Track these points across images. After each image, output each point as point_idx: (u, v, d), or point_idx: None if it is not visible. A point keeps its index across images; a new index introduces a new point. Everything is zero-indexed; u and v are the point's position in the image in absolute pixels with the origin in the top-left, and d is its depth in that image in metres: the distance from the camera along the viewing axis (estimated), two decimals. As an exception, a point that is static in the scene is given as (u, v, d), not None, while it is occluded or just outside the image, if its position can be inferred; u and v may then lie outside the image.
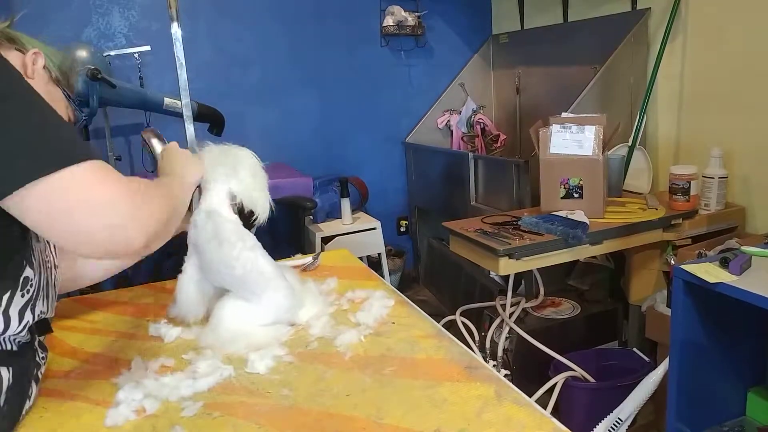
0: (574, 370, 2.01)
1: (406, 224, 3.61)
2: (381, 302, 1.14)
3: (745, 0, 2.09)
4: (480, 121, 3.43)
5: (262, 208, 1.11)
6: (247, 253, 1.05)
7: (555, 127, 2.02)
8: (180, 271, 1.11)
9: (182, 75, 1.71)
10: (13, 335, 0.78)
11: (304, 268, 1.40)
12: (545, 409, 1.49)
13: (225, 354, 0.98)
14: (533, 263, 1.85)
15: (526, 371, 2.13)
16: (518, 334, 2.12)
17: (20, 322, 0.78)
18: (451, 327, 2.25)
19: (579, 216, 1.94)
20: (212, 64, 2.96)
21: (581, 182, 2.01)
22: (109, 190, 0.66)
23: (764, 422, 1.52)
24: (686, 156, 2.38)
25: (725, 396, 1.55)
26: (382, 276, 2.52)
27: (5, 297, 0.75)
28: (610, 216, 2.02)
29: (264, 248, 1.10)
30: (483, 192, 2.80)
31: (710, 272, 1.35)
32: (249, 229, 1.10)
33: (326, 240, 2.87)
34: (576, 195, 2.02)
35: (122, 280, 1.60)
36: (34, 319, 0.81)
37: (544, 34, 3.12)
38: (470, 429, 0.75)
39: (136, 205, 0.68)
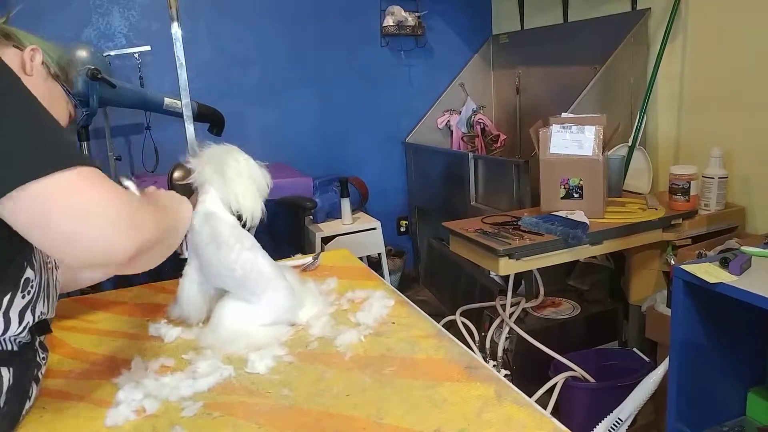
0: (574, 370, 2.01)
1: (406, 224, 3.61)
2: (381, 302, 1.14)
3: (745, 0, 2.09)
4: (480, 121, 3.43)
5: (248, 211, 1.08)
6: (246, 254, 1.05)
7: (555, 127, 2.02)
8: (180, 272, 1.11)
9: (182, 75, 1.71)
10: (14, 336, 0.78)
11: (304, 268, 1.40)
12: (545, 409, 1.49)
13: (225, 354, 0.98)
14: (533, 263, 1.85)
15: (526, 371, 2.13)
16: (518, 334, 2.12)
17: (20, 323, 0.78)
18: (451, 327, 2.24)
19: (579, 216, 1.94)
20: (212, 64, 2.96)
21: (581, 182, 2.01)
22: (98, 195, 0.64)
23: (764, 422, 1.52)
24: (686, 156, 2.38)
25: (725, 396, 1.55)
26: (382, 276, 2.52)
27: (5, 299, 0.75)
28: (610, 216, 2.02)
29: (264, 248, 1.09)
30: (483, 192, 2.80)
31: (710, 272, 1.35)
32: (247, 230, 1.10)
33: (326, 240, 2.87)
34: (576, 195, 2.02)
35: (122, 280, 1.60)
36: (34, 320, 0.81)
37: (544, 34, 3.12)
38: (470, 429, 0.75)
39: (126, 213, 0.66)
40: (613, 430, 1.67)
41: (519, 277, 2.33)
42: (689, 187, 2.04)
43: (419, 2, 3.32)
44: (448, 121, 3.47)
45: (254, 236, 1.11)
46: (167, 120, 2.60)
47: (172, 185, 1.28)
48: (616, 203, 2.17)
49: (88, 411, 0.85)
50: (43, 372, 0.87)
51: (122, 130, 2.86)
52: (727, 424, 1.54)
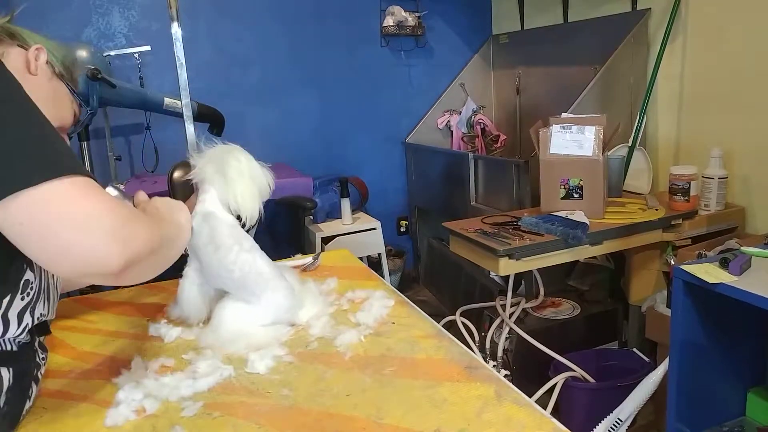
0: (574, 371, 2.01)
1: (406, 224, 3.61)
2: (381, 302, 1.14)
3: (745, 0, 2.09)
4: (480, 121, 3.43)
5: (246, 211, 1.07)
6: (245, 255, 1.04)
7: (555, 128, 2.02)
8: (180, 272, 1.11)
9: (182, 75, 1.72)
10: (13, 337, 0.78)
11: (304, 269, 1.40)
12: (545, 409, 1.49)
13: (225, 354, 0.98)
14: (533, 263, 1.85)
15: (526, 371, 2.13)
16: (518, 334, 2.12)
17: (19, 324, 0.78)
18: (451, 327, 2.25)
19: (579, 216, 1.94)
20: (212, 64, 2.96)
21: (581, 182, 2.01)
22: (91, 204, 0.63)
23: (764, 422, 1.52)
24: (686, 156, 2.38)
25: (725, 396, 1.55)
26: (382, 276, 2.52)
27: (5, 300, 0.75)
28: (610, 216, 2.02)
29: (264, 248, 1.09)
30: (483, 192, 2.80)
31: (710, 273, 1.35)
32: (247, 230, 1.09)
33: (326, 240, 2.87)
34: (576, 195, 2.02)
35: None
36: (33, 322, 0.80)
37: (544, 34, 3.12)
38: (470, 429, 0.75)
39: (119, 222, 0.64)
40: (613, 430, 1.67)
41: (519, 277, 2.33)
42: (689, 187, 2.04)
43: (419, 2, 3.33)
44: (448, 121, 3.47)
45: (254, 236, 1.11)
46: (167, 120, 2.60)
47: (172, 184, 1.29)
48: (616, 203, 2.17)
49: (88, 411, 0.84)
50: (42, 372, 0.87)
51: (122, 130, 2.86)
52: (727, 425, 1.54)
